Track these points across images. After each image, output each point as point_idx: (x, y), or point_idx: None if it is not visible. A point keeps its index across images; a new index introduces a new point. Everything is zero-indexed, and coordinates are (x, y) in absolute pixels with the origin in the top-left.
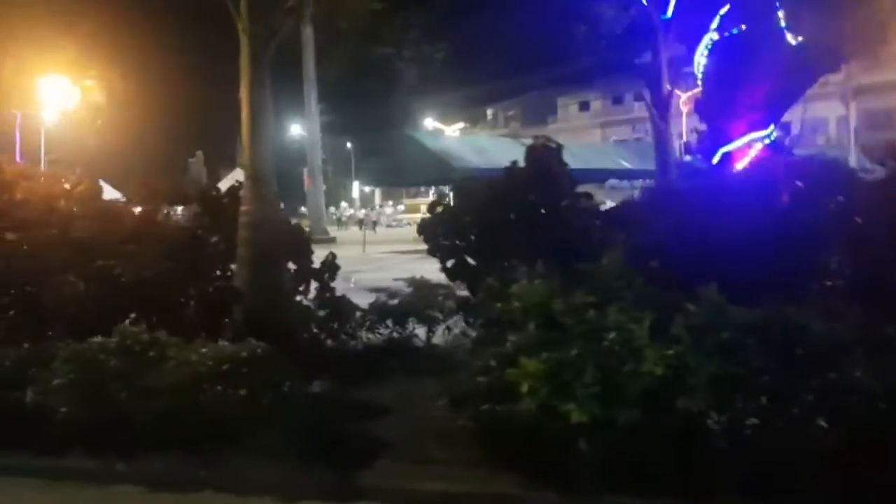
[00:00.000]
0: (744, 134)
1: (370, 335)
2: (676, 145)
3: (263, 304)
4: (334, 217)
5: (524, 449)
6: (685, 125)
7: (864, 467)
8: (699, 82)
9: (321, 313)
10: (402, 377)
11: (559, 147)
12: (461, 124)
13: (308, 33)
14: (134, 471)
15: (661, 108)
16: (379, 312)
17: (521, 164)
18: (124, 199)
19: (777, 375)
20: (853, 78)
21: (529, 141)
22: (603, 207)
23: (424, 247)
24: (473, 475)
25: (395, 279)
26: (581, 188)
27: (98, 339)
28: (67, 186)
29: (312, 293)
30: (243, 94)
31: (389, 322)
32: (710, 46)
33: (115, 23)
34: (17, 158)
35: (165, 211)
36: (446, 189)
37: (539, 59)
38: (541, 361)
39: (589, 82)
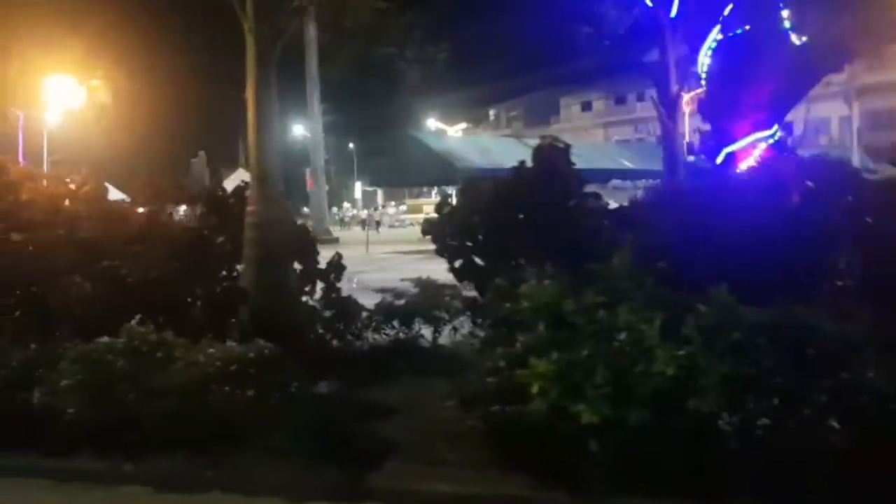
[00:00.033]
0: (748, 134)
1: (376, 336)
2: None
3: (270, 305)
4: (337, 217)
5: (534, 450)
6: (688, 125)
7: (876, 468)
8: (703, 82)
9: (327, 314)
10: (408, 378)
11: (567, 147)
12: (464, 125)
13: (311, 33)
14: (141, 472)
15: (669, 107)
16: (385, 313)
17: (527, 163)
18: (128, 200)
19: (788, 376)
20: (856, 78)
21: (532, 141)
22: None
23: (428, 247)
24: (483, 476)
25: (402, 279)
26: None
27: (105, 339)
28: (73, 187)
29: (318, 293)
30: (249, 94)
31: (395, 322)
32: (714, 46)
33: (122, 22)
34: (20, 159)
35: (168, 211)
36: (449, 189)
37: (541, 60)
38: (551, 362)
39: (591, 82)
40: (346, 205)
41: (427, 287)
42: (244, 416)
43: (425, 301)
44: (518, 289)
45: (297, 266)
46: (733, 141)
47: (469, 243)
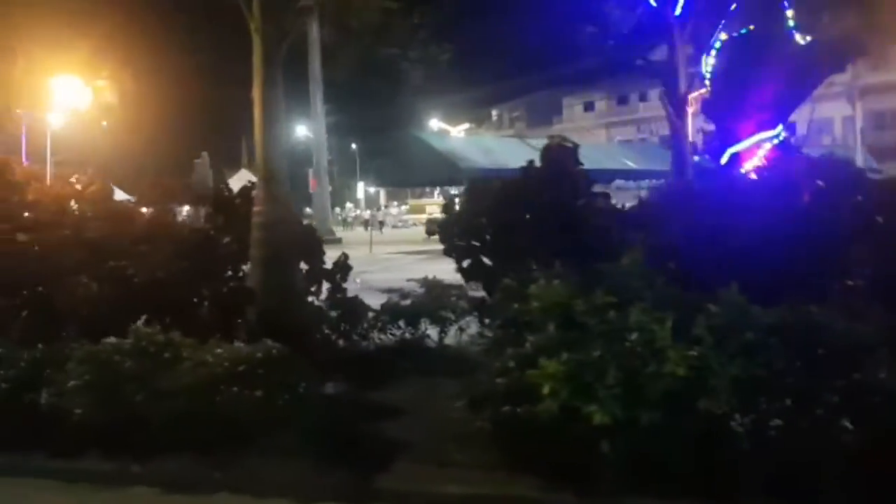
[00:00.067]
0: (752, 134)
1: (382, 336)
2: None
3: (277, 305)
4: (339, 218)
5: (543, 451)
6: (691, 126)
7: (888, 468)
8: (707, 82)
9: (333, 314)
10: (415, 378)
11: (575, 146)
12: (466, 125)
13: (314, 34)
14: (149, 472)
15: (678, 106)
16: (391, 313)
17: (528, 163)
18: (132, 201)
19: (800, 376)
20: (860, 77)
21: (536, 141)
22: None
23: (431, 247)
24: (491, 477)
25: (408, 279)
26: None
27: (112, 340)
28: (78, 187)
29: (323, 294)
30: (256, 94)
31: (401, 323)
32: (718, 46)
33: (129, 23)
34: (24, 160)
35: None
36: (452, 190)
37: (544, 60)
38: (561, 362)
39: (594, 83)
40: (348, 205)
41: (433, 287)
42: (252, 417)
43: (431, 301)
44: (527, 289)
45: (302, 266)
46: (738, 141)
47: (477, 243)
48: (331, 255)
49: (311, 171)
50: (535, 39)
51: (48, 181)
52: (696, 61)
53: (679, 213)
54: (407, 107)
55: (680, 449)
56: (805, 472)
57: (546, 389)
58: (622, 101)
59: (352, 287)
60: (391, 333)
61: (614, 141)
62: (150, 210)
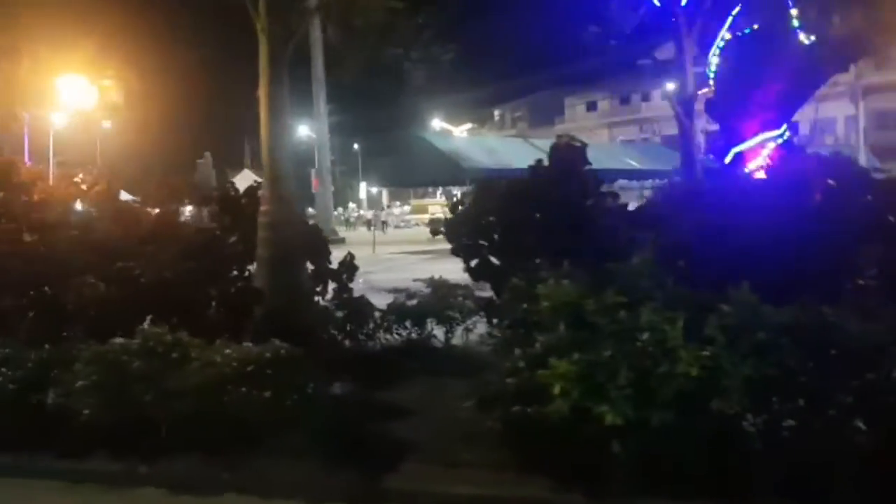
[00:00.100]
0: (756, 133)
1: (388, 336)
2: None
3: (284, 305)
4: (342, 218)
5: (553, 451)
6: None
7: None
8: (711, 82)
9: (339, 314)
10: (422, 378)
11: (584, 146)
12: (469, 125)
13: (317, 34)
14: (157, 473)
15: (687, 105)
16: (397, 313)
17: (537, 162)
18: (137, 201)
19: (813, 376)
20: (862, 77)
21: (539, 141)
22: None
23: (435, 247)
24: (501, 478)
25: (415, 279)
26: None
27: (120, 340)
28: (84, 188)
29: (329, 294)
30: (262, 94)
31: (408, 323)
32: (722, 45)
33: (134, 21)
34: (27, 160)
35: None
36: (454, 190)
37: (546, 60)
38: (572, 362)
39: (596, 82)
40: (351, 205)
41: (439, 287)
42: (260, 417)
43: (437, 301)
44: (535, 288)
45: (308, 266)
46: (742, 140)
47: (485, 243)
48: (335, 256)
49: (313, 172)
50: (537, 39)
51: (50, 182)
52: (701, 61)
53: (688, 212)
54: (409, 107)
55: (692, 449)
56: (818, 473)
57: (557, 389)
58: (624, 101)
59: (356, 287)
60: (397, 333)
61: (617, 141)
62: (156, 210)
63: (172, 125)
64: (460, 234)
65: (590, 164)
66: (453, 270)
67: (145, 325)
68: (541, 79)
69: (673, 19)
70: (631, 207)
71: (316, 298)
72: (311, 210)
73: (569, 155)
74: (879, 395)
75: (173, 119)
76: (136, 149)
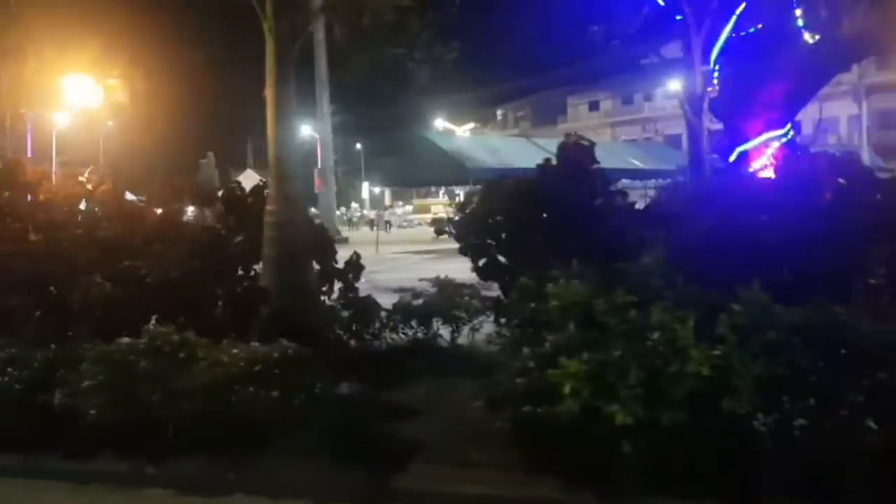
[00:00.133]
0: (760, 133)
1: (394, 335)
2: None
3: (290, 305)
4: (345, 218)
5: (564, 451)
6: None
7: None
8: (715, 81)
9: (345, 313)
10: (429, 378)
11: (592, 145)
12: (471, 124)
13: (321, 35)
14: (164, 474)
15: (695, 104)
16: (403, 313)
17: (544, 161)
18: (141, 201)
19: (824, 376)
20: (865, 76)
21: (542, 141)
22: None
23: (438, 247)
24: (510, 478)
25: (420, 279)
26: None
27: (126, 340)
28: (89, 187)
29: (335, 293)
30: (269, 93)
31: (414, 322)
32: (726, 45)
33: (140, 21)
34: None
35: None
36: (457, 189)
37: (549, 60)
38: (582, 362)
39: (599, 82)
40: (353, 205)
41: (445, 287)
42: (268, 417)
43: (443, 301)
44: (544, 288)
45: (314, 265)
46: (746, 140)
47: (492, 242)
48: (339, 255)
49: (316, 171)
50: (540, 39)
51: (53, 181)
52: (707, 60)
53: (697, 211)
54: (412, 106)
55: (702, 449)
56: (829, 473)
57: (567, 389)
58: (627, 100)
59: (360, 287)
60: (403, 333)
61: (619, 140)
62: (162, 210)
63: (176, 124)
64: (468, 233)
65: (598, 162)
66: (458, 270)
67: (151, 324)
68: (543, 78)
69: (679, 17)
70: (637, 207)
71: (322, 298)
72: (314, 210)
73: (577, 154)
74: (891, 394)
75: (177, 118)
76: (138, 148)
